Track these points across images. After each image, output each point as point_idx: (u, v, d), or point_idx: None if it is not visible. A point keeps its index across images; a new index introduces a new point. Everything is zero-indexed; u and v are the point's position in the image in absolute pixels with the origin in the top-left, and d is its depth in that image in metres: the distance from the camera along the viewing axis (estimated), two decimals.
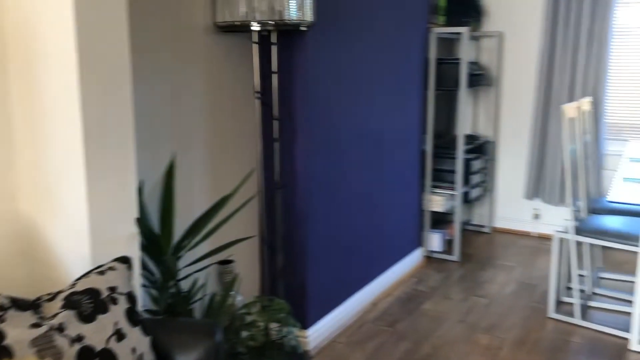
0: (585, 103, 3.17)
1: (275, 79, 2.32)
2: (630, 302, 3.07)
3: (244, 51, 2.36)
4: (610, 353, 2.61)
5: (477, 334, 2.81)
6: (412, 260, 3.61)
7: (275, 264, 2.58)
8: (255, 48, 2.28)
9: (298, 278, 2.59)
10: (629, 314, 2.96)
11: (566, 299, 3.13)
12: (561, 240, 2.92)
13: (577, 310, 2.88)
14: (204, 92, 2.21)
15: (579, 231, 2.79)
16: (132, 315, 1.44)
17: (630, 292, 3.19)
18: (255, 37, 2.25)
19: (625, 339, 2.71)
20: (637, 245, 2.58)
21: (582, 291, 3.15)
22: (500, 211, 4.36)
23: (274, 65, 2.31)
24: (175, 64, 2.07)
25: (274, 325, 2.18)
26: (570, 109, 2.84)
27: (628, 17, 3.76)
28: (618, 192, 2.34)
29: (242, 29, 2.14)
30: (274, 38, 2.27)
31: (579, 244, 2.82)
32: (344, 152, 2.77)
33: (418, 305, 3.13)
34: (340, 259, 2.85)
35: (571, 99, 3.85)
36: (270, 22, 2.04)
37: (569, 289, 3.23)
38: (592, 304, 3.08)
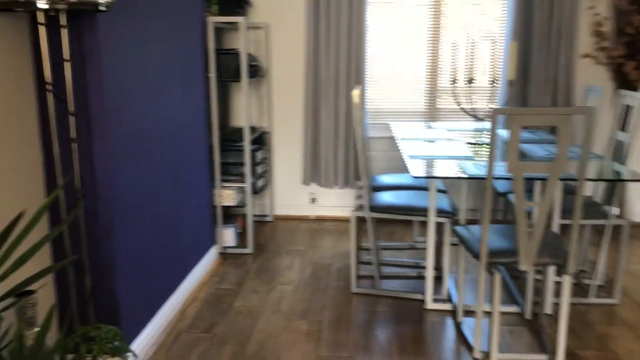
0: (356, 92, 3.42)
1: (68, 68, 1.94)
2: (412, 266, 3.45)
3: (18, 35, 1.91)
4: (412, 315, 2.89)
5: (295, 322, 2.83)
6: (209, 259, 3.47)
7: (83, 286, 2.20)
8: (42, 31, 1.87)
9: (109, 298, 2.24)
10: (416, 277, 3.31)
11: (362, 273, 3.36)
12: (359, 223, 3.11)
13: (376, 281, 3.12)
14: None
15: (372, 209, 3.01)
16: None
17: (409, 257, 3.58)
18: (41, 18, 1.84)
19: (421, 300, 3.03)
20: (424, 215, 2.90)
21: (376, 264, 3.42)
22: (280, 199, 4.47)
23: (66, 53, 1.93)
24: None
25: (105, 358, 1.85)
26: (356, 95, 3.03)
27: (380, 12, 4.18)
28: (415, 167, 2.59)
29: (22, 6, 1.73)
30: (63, 20, 1.89)
31: (372, 219, 3.05)
32: (147, 152, 2.49)
33: (229, 305, 3.01)
34: (148, 271, 2.57)
35: (337, 88, 4.12)
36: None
37: (362, 263, 3.48)
38: (385, 272, 3.37)
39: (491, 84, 3.10)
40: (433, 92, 4.28)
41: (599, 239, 3.71)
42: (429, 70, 4.25)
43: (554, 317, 2.80)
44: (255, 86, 4.31)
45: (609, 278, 3.23)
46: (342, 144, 4.19)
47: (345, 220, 4.40)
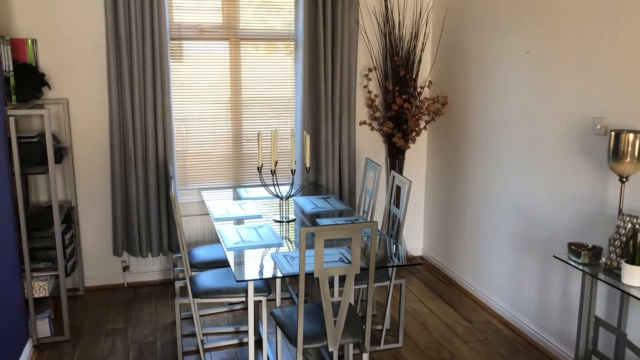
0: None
1: None
2: (232, 333, 3.77)
3: None
4: None
5: None
6: (25, 357, 3.36)
7: None
8: None
9: None
10: (236, 345, 3.64)
11: (188, 348, 3.58)
12: (180, 305, 3.33)
13: (202, 356, 3.37)
14: None
15: (194, 294, 3.26)
16: None
17: (226, 323, 3.90)
18: None
19: None
20: (244, 295, 3.24)
21: (200, 338, 3.67)
22: (90, 270, 4.43)
23: None
24: None
25: None
26: (172, 198, 3.24)
27: (183, 69, 4.40)
28: (238, 270, 2.91)
29: None
30: None
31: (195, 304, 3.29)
32: None
33: None
34: None
35: (145, 157, 4.24)
36: None
37: (185, 336, 3.69)
38: (207, 345, 3.63)
39: (292, 173, 3.56)
40: (239, 160, 4.64)
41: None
42: (234, 139, 4.60)
43: None
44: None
45: (394, 320, 3.93)
46: (155, 213, 4.33)
47: (160, 284, 4.54)
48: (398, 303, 3.65)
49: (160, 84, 4.18)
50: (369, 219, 3.89)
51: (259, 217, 3.71)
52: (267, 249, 3.17)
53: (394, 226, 3.73)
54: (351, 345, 3.32)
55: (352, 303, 3.29)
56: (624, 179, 2.81)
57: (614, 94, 3.00)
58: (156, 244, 4.39)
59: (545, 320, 3.60)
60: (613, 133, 2.78)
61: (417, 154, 5.05)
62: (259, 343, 3.64)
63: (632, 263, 2.53)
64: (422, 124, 4.77)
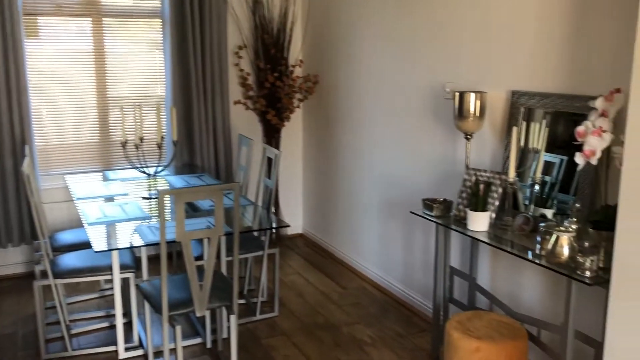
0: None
1: None
2: (104, 317, 3.63)
3: None
4: None
5: None
6: None
7: None
8: None
9: None
10: (108, 327, 3.50)
11: (53, 336, 3.39)
12: (42, 289, 3.14)
13: (67, 342, 3.21)
14: None
15: (56, 275, 3.10)
16: None
17: (99, 307, 3.75)
18: None
19: (114, 351, 3.25)
20: (109, 273, 3.13)
21: (64, 323, 3.48)
22: None
23: None
24: None
25: None
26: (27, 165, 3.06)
27: (41, 47, 4.15)
28: (96, 240, 2.80)
29: None
30: None
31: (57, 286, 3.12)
32: None
33: None
34: None
35: (2, 146, 3.96)
36: None
37: (50, 324, 3.49)
38: (75, 330, 3.46)
39: (159, 146, 3.49)
40: (106, 143, 4.46)
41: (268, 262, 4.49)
42: (100, 122, 4.41)
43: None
44: None
45: (270, 292, 3.97)
46: (13, 199, 4.05)
47: (25, 277, 4.26)
48: (274, 276, 3.71)
49: (13, 61, 3.91)
50: (243, 194, 3.90)
51: (125, 195, 3.59)
52: (132, 222, 3.08)
53: (267, 199, 3.76)
54: (225, 314, 3.32)
55: (225, 272, 3.29)
56: (469, 137, 3.04)
57: (459, 62, 3.24)
58: (17, 232, 4.11)
59: (410, 279, 3.81)
60: (457, 94, 3.00)
61: (293, 133, 5.13)
62: (130, 325, 3.53)
63: (476, 210, 2.75)
64: (296, 103, 4.85)
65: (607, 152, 2.29)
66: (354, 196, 4.42)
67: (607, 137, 2.22)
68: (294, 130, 5.12)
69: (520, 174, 2.83)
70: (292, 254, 4.83)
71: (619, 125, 2.24)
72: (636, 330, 1.97)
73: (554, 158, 2.70)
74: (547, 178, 2.72)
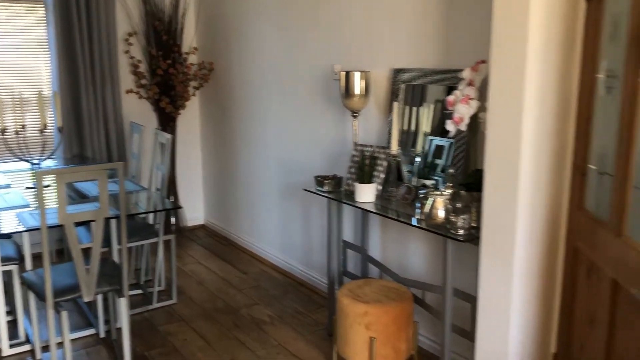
0: None
1: None
2: None
3: None
4: None
5: None
6: None
7: None
8: None
9: None
10: None
11: None
12: None
13: None
14: None
15: None
16: None
17: None
18: None
19: None
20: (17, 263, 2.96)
21: None
22: None
23: None
24: None
25: None
26: None
27: None
28: (9, 225, 2.64)
29: None
30: None
31: None
32: None
33: None
34: None
35: None
36: None
37: None
38: None
39: (41, 132, 3.33)
40: None
41: (166, 251, 4.40)
42: None
43: None
44: None
45: (169, 281, 3.90)
46: None
47: None
48: (173, 265, 3.65)
49: None
50: (137, 181, 3.81)
51: (7, 186, 3.40)
52: (12, 210, 2.93)
53: (162, 183, 3.70)
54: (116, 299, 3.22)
55: (117, 260, 3.20)
56: (355, 114, 3.15)
57: (347, 44, 3.35)
58: None
59: (310, 259, 3.89)
60: (343, 73, 3.10)
61: (190, 121, 5.06)
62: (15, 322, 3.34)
63: (362, 182, 2.86)
64: (192, 91, 4.79)
65: (475, 119, 2.47)
66: (253, 182, 4.44)
67: (474, 104, 2.39)
68: (190, 119, 5.06)
69: (403, 147, 2.98)
70: (193, 245, 4.77)
71: (484, 94, 2.41)
72: (503, 280, 2.14)
73: (439, 139, 2.87)
74: (428, 150, 2.88)
